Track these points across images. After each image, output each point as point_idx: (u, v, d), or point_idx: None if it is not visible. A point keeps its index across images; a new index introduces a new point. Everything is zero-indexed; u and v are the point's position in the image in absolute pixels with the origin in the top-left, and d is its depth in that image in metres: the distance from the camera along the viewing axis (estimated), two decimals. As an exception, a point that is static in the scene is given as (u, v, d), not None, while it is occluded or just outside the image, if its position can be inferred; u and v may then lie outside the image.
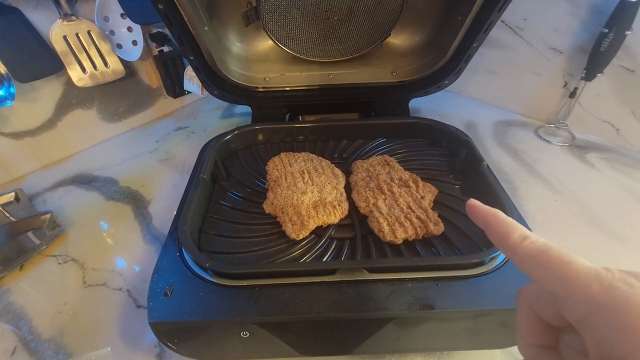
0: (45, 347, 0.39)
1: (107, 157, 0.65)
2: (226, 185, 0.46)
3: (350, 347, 0.35)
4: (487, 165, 0.42)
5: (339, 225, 0.41)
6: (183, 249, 0.37)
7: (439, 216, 0.39)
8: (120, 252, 0.48)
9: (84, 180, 0.61)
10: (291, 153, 0.49)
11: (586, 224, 0.49)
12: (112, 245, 0.50)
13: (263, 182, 0.46)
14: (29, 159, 0.62)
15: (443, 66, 0.52)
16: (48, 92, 0.60)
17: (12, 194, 0.57)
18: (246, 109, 0.76)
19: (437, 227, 0.38)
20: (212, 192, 0.45)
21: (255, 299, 0.32)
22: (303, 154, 0.48)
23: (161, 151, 0.66)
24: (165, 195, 0.57)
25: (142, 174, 0.61)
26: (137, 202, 0.56)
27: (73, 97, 0.63)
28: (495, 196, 0.39)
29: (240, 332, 0.32)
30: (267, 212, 0.41)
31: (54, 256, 0.48)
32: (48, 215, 0.52)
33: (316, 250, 0.38)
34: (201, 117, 0.75)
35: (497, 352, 0.37)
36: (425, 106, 0.75)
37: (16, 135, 0.59)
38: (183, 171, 0.61)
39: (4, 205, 0.54)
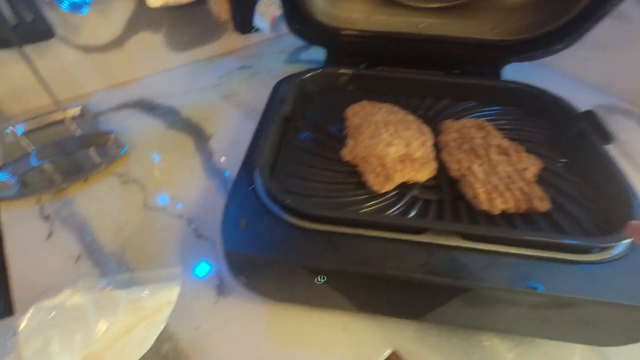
0: (108, 260, 0.39)
1: (169, 86, 0.64)
2: (300, 126, 0.43)
3: (421, 312, 0.32)
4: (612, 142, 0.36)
5: (424, 187, 0.37)
6: (258, 184, 0.34)
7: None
8: (181, 182, 0.47)
9: (146, 106, 0.59)
10: (373, 102, 0.44)
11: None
12: (172, 173, 0.48)
13: (340, 129, 0.42)
14: (95, 76, 0.61)
15: (562, 26, 0.45)
16: (121, 7, 0.57)
17: (79, 108, 0.57)
18: (313, 56, 0.72)
19: (542, 203, 0.33)
20: (285, 132, 0.42)
21: (336, 246, 0.29)
22: (386, 105, 0.44)
23: (224, 88, 0.63)
24: (227, 133, 0.54)
25: (203, 108, 0.59)
26: (198, 135, 0.54)
27: (143, 17, 0.60)
28: (615, 181, 0.34)
29: (316, 278, 0.30)
30: (345, 159, 0.38)
31: (116, 175, 0.48)
32: (112, 134, 0.51)
33: (398, 208, 0.34)
34: (266, 59, 0.71)
35: (578, 347, 0.33)
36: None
37: (85, 49, 0.58)
38: (247, 111, 0.58)
39: (70, 118, 0.54)
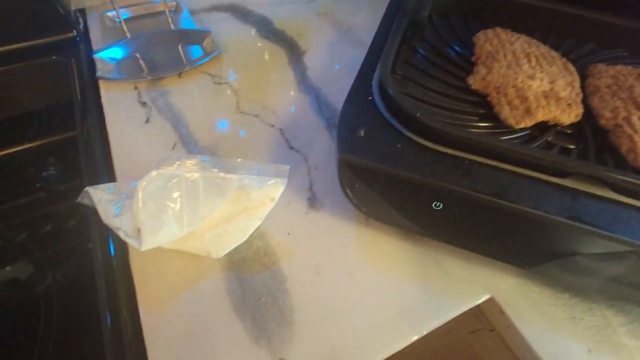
0: (202, 152, 0.38)
1: (261, -5, 0.60)
2: (418, 46, 0.38)
3: (536, 261, 0.29)
4: None
5: (561, 132, 0.31)
6: (377, 95, 0.31)
7: None
8: (274, 91, 0.45)
9: (238, 11, 0.56)
10: (508, 31, 0.38)
11: None
12: (265, 82, 0.46)
13: (463, 54, 0.37)
14: (190, -28, 0.58)
15: None
16: None
17: (174, 3, 0.55)
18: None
19: None
20: (401, 50, 0.38)
21: (466, 172, 0.26)
22: (523, 36, 0.38)
23: (318, 4, 0.58)
24: (322, 51, 0.50)
25: (297, 22, 0.55)
26: (291, 48, 0.51)
27: None
28: None
29: (434, 202, 0.27)
30: (473, 87, 0.33)
31: (210, 75, 0.46)
32: (208, 33, 0.49)
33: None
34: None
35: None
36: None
37: (186, -61, 0.54)
38: (342, 31, 0.54)
39: (167, 12, 0.52)
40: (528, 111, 0.30)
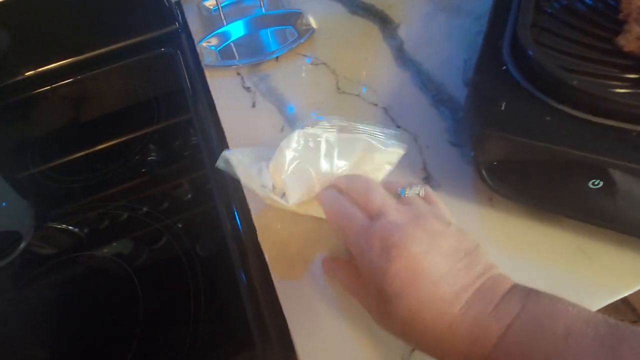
0: (310, 135, 0.39)
1: (344, -31, 0.57)
2: (546, 6, 0.34)
3: None
4: None
5: None
6: (511, 63, 0.28)
7: None
8: (372, 69, 0.44)
9: (324, -11, 0.55)
10: (666, -22, 0.32)
11: None
12: (362, 59, 0.45)
13: (605, 11, 0.32)
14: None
15: None
16: None
17: (262, -14, 0.55)
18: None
19: None
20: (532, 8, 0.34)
21: (636, 145, 0.23)
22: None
23: (405, -27, 0.55)
24: (416, 23, 0.48)
25: (386, -6, 0.52)
26: (384, 22, 0.49)
27: None
28: None
29: (592, 181, 0.24)
30: (627, 49, 0.29)
31: (306, 56, 0.46)
32: (300, 14, 0.49)
33: None
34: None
35: None
36: None
37: None
38: (435, 1, 0.50)
39: (255, -4, 0.53)
40: None
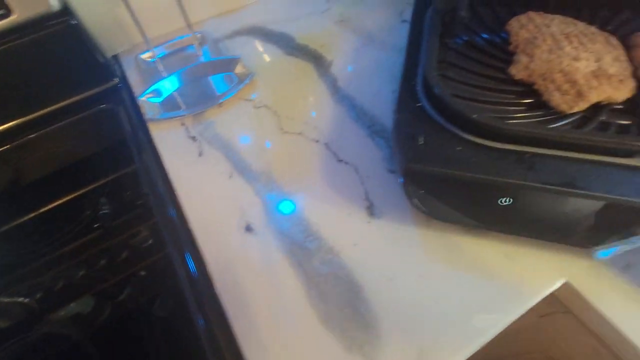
0: (258, 178, 0.40)
1: (278, 12, 0.61)
2: (452, 44, 0.39)
3: (605, 239, 0.29)
4: None
5: (613, 109, 0.31)
6: (424, 100, 0.32)
7: None
8: (311, 107, 0.47)
9: (260, 33, 0.58)
10: (542, 13, 0.38)
11: None
12: (301, 98, 0.48)
13: (498, 44, 0.37)
14: (205, 3, 0.60)
15: None
16: None
17: (199, 35, 0.57)
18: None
19: None
20: (438, 50, 0.38)
21: (529, 166, 0.27)
22: (558, 16, 0.37)
23: (333, 13, 0.59)
24: (347, 59, 0.52)
25: (318, 34, 0.56)
26: (318, 61, 0.52)
27: None
28: None
29: (500, 199, 0.28)
30: (517, 77, 0.34)
31: (248, 100, 0.48)
32: (239, 60, 0.51)
33: (585, 132, 0.30)
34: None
35: None
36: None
37: (202, -28, 0.56)
38: (363, 36, 0.54)
39: (193, 46, 0.55)
40: (580, 94, 0.30)
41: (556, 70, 0.32)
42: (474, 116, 0.28)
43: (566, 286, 0.31)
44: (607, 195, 0.25)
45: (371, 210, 0.36)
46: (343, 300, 0.31)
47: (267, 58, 0.54)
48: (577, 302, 0.31)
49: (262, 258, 0.34)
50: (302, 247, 0.35)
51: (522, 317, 0.35)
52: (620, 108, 0.32)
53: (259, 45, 0.56)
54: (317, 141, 0.43)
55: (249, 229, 0.36)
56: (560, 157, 0.27)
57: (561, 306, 0.33)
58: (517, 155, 0.28)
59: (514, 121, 0.31)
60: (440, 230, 0.34)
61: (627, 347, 0.28)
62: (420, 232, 0.35)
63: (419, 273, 0.32)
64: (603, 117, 0.31)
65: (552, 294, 0.32)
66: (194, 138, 0.45)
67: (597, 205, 0.26)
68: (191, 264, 0.35)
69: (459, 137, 0.29)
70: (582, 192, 0.25)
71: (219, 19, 0.61)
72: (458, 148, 0.29)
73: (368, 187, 0.38)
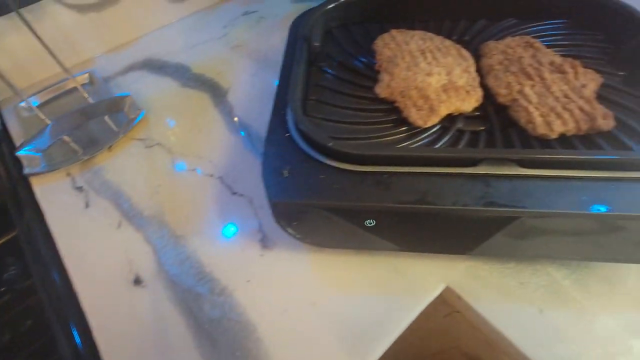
0: (149, 223, 0.38)
1: (173, 42, 0.59)
2: (325, 66, 0.40)
3: (474, 246, 0.31)
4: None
5: (468, 117, 0.34)
6: (293, 130, 0.32)
7: (605, 110, 0.31)
8: (205, 140, 0.45)
9: (154, 66, 0.56)
10: (404, 30, 0.40)
11: None
12: (195, 132, 0.46)
13: (368, 64, 0.39)
14: (95, 38, 0.57)
15: None
16: (108, -45, 0.52)
17: (86, 75, 0.54)
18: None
19: (606, 122, 0.30)
20: (310, 74, 0.39)
21: (386, 186, 0.28)
22: (418, 32, 0.40)
23: (231, 37, 0.59)
24: (244, 86, 0.51)
25: (214, 62, 0.55)
26: (214, 90, 0.51)
27: (135, -35, 0.54)
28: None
29: (366, 221, 0.29)
30: (381, 96, 0.35)
31: (140, 140, 0.46)
32: (128, 98, 0.49)
33: (444, 143, 0.32)
34: (270, 1, 0.65)
35: (634, 267, 0.32)
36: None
37: (81, 9, 0.53)
38: (259, 60, 0.54)
39: (80, 86, 0.52)
40: (432, 109, 0.32)
41: (412, 87, 0.33)
42: (330, 144, 0.29)
43: (447, 290, 0.32)
44: (452, 207, 0.26)
45: (264, 242, 0.36)
46: (235, 344, 0.30)
47: (161, 92, 0.52)
48: (458, 303, 0.32)
49: (151, 312, 0.33)
50: (193, 293, 0.33)
51: (429, 318, 0.36)
52: (475, 115, 0.34)
53: (153, 79, 0.54)
54: (211, 175, 0.42)
55: (137, 281, 0.35)
56: (414, 173, 0.28)
57: (453, 307, 0.35)
58: (376, 177, 0.28)
59: (376, 138, 0.33)
60: (331, 254, 0.34)
61: (502, 339, 0.30)
62: (311, 257, 0.35)
63: (312, 301, 0.32)
64: (460, 125, 0.33)
65: (442, 297, 0.34)
66: (80, 188, 0.42)
67: (452, 216, 0.28)
68: (77, 337, 0.33)
69: (323, 164, 0.30)
70: (430, 206, 0.27)
71: (111, 55, 0.58)
72: (321, 176, 0.29)
73: (262, 218, 0.38)
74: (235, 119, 0.47)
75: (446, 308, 0.36)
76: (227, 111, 0.48)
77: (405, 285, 0.33)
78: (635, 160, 0.26)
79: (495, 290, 0.32)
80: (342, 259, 0.34)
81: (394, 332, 0.31)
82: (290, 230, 0.31)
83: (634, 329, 0.29)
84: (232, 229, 0.37)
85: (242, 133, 0.45)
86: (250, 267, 0.34)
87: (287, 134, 0.32)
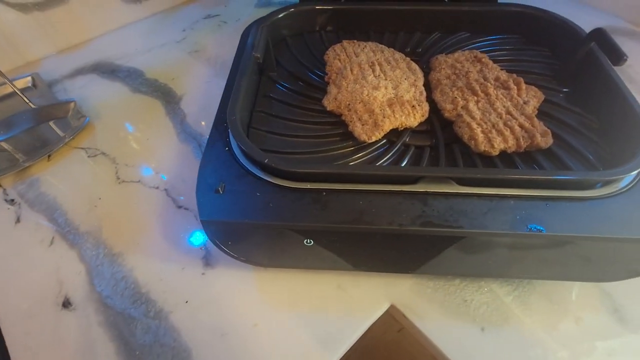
0: (84, 240, 0.36)
1: (128, 44, 0.57)
2: (275, 77, 0.38)
3: (416, 265, 0.31)
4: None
5: (415, 131, 0.33)
6: (234, 144, 0.31)
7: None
8: (154, 150, 0.43)
9: (105, 70, 0.53)
10: (355, 41, 0.39)
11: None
12: (144, 141, 0.44)
13: (320, 75, 0.38)
14: (41, 39, 0.54)
15: None
16: (53, -48, 0.49)
17: (29, 78, 0.51)
18: (287, -4, 0.64)
19: (544, 139, 0.30)
20: (260, 84, 0.38)
21: (323, 205, 0.27)
22: (370, 43, 0.39)
23: (189, 42, 0.57)
24: (198, 92, 0.49)
25: (170, 67, 0.53)
26: (167, 96, 0.49)
27: (84, -37, 0.52)
28: (626, 104, 0.31)
29: (304, 240, 0.28)
30: (328, 109, 0.34)
31: (82, 148, 0.44)
32: (72, 104, 0.46)
33: (389, 158, 0.31)
34: (233, 5, 0.63)
35: (576, 284, 0.33)
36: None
37: (23, 8, 0.50)
38: (217, 66, 0.53)
39: (22, 90, 0.48)
40: (376, 124, 0.31)
41: (358, 101, 0.33)
42: (265, 160, 0.27)
43: (392, 308, 0.32)
44: (387, 227, 0.26)
45: (207, 259, 0.34)
46: (167, 371, 0.29)
47: (110, 98, 0.49)
48: (404, 321, 0.32)
49: (80, 338, 0.30)
50: (126, 316, 0.31)
51: (385, 331, 0.35)
52: (422, 130, 0.34)
53: (102, 84, 0.51)
54: (157, 187, 0.40)
55: (66, 304, 0.32)
56: (353, 191, 0.27)
57: (400, 324, 0.34)
58: (314, 194, 0.28)
59: (322, 155, 0.32)
60: (275, 272, 0.33)
61: (444, 358, 0.29)
62: (256, 275, 0.33)
63: (254, 322, 0.31)
64: (406, 139, 0.33)
65: (389, 313, 0.33)
66: (12, 201, 0.39)
67: (388, 236, 0.27)
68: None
69: (262, 180, 0.29)
70: (366, 226, 0.26)
71: (59, 57, 0.55)
72: (258, 193, 0.28)
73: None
74: (188, 127, 0.45)
75: (397, 324, 0.35)
76: (179, 119, 0.46)
77: (350, 304, 0.32)
78: (565, 180, 0.27)
79: (438, 307, 0.31)
80: (288, 276, 0.33)
81: (337, 353, 0.30)
82: (226, 250, 0.29)
83: (568, 345, 0.29)
84: (174, 245, 0.35)
85: (193, 143, 0.44)
86: (190, 287, 0.33)
87: (227, 148, 0.31)
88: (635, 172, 0.27)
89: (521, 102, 0.32)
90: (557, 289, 0.32)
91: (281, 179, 0.28)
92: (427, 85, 0.36)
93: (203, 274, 0.34)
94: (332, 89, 0.35)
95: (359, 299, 0.32)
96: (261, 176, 0.29)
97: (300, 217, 0.26)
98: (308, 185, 0.28)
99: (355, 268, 0.31)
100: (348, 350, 0.30)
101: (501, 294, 0.32)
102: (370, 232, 0.27)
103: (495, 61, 0.38)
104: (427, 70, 0.37)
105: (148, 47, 0.56)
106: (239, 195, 0.28)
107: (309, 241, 0.28)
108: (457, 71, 0.36)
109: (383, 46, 0.39)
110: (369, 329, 0.32)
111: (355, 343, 0.31)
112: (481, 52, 0.38)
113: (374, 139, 0.31)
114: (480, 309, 0.31)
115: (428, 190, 0.27)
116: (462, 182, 0.27)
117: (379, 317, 0.31)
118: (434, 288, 0.32)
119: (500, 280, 0.32)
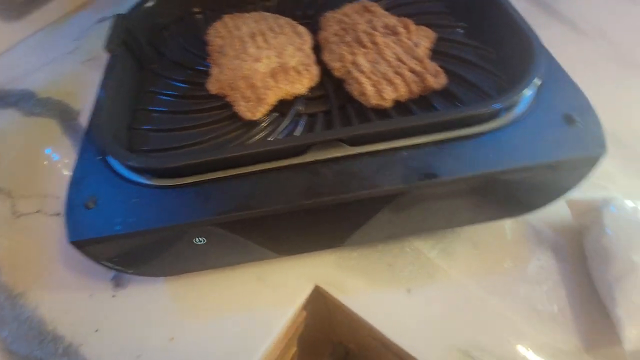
0: (-19, 288, 0.33)
1: (16, 66, 0.52)
2: (157, 69, 0.35)
3: (337, 239, 0.29)
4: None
5: (309, 98, 0.31)
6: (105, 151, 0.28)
7: (440, 67, 0.29)
8: (53, 173, 0.40)
9: (-7, 98, 0.48)
10: (237, 15, 0.36)
11: (621, 67, 0.40)
12: (42, 166, 0.40)
13: (206, 59, 0.35)
14: None
15: None
16: None
17: None
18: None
19: (437, 80, 0.28)
20: (142, 80, 0.34)
21: (206, 197, 0.24)
22: (253, 13, 0.36)
23: (82, 51, 0.52)
24: (96, 102, 0.45)
25: (63, 81, 0.48)
26: (63, 113, 0.45)
27: None
28: (519, 32, 0.29)
29: (193, 239, 0.25)
30: (213, 92, 0.31)
31: (-29, 189, 0.40)
32: (-49, 142, 0.42)
33: (282, 131, 0.29)
34: (129, 4, 0.58)
35: (507, 222, 0.31)
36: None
37: None
38: (114, 70, 0.48)
39: None
40: (259, 99, 0.29)
41: (239, 78, 0.30)
42: (128, 162, 0.25)
43: (318, 288, 0.30)
44: (278, 208, 0.23)
45: (117, 280, 0.32)
46: (81, 409, 0.26)
47: (1, 127, 0.45)
48: (332, 300, 0.30)
49: (-18, 394, 0.28)
50: (33, 359, 0.29)
51: (324, 307, 0.33)
52: (316, 95, 0.31)
53: (-9, 113, 0.46)
54: (58, 214, 0.36)
55: (-35, 361, 0.29)
56: (238, 176, 0.25)
57: (329, 301, 0.33)
58: (196, 188, 0.25)
59: (212, 142, 0.29)
60: (188, 277, 0.31)
61: (372, 329, 0.28)
62: (169, 286, 0.31)
63: (170, 336, 0.29)
64: (299, 108, 0.30)
65: (316, 293, 0.31)
66: None
67: (282, 217, 0.25)
68: None
69: (140, 185, 0.26)
70: (254, 211, 0.23)
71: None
72: (134, 200, 0.25)
73: (115, 252, 0.33)
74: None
75: (327, 301, 0.34)
76: (77, 136, 0.42)
77: (273, 293, 0.30)
78: (457, 118, 0.25)
79: (363, 278, 0.29)
80: (202, 280, 0.31)
81: (261, 348, 0.28)
82: (116, 267, 0.26)
83: (494, 289, 0.28)
84: (79, 272, 0.32)
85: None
86: (99, 313, 0.30)
87: (99, 157, 0.28)
88: (527, 92, 0.25)
89: (411, 44, 0.30)
90: (480, 232, 0.31)
91: (159, 179, 0.25)
92: (317, 47, 0.33)
93: (114, 296, 0.31)
94: (214, 70, 0.32)
95: (282, 287, 0.30)
96: (138, 180, 0.26)
97: (180, 216, 0.24)
98: (190, 180, 0.25)
99: (276, 254, 0.29)
100: (284, 340, 0.29)
101: (425, 249, 0.30)
102: (263, 216, 0.24)
103: (388, 8, 0.35)
104: (317, 32, 0.35)
105: (38, 65, 0.51)
106: (115, 206, 0.25)
107: (200, 239, 0.25)
108: (345, 26, 0.33)
109: (267, 14, 0.36)
110: (300, 312, 0.30)
111: (293, 329, 0.29)
112: (372, 0, 0.36)
113: (259, 115, 0.28)
114: (405, 270, 0.30)
115: (318, 159, 0.25)
116: (351, 142, 0.25)
117: (307, 301, 0.30)
118: (357, 259, 0.30)
119: (422, 237, 0.31)
